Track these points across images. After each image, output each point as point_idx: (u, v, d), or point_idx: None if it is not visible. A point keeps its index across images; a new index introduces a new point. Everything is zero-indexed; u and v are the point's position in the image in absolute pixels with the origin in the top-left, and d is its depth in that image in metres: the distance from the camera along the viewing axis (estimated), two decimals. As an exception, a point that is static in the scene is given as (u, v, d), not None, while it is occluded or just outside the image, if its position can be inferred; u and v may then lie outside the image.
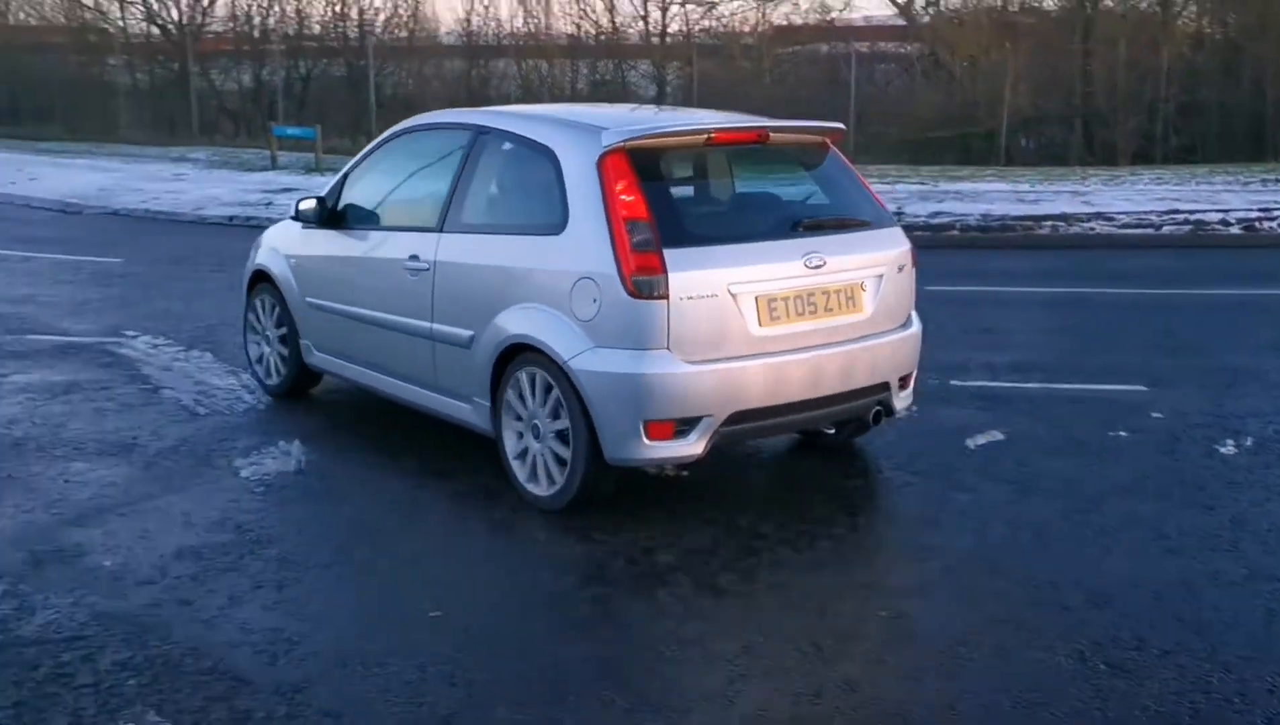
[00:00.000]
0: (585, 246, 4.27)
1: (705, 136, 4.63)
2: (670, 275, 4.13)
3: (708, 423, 4.26)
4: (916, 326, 5.03)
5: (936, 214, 14.33)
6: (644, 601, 3.97)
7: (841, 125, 5.14)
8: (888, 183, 16.97)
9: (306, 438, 5.78)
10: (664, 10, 30.08)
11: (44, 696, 3.30)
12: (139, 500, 4.97)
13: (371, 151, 5.78)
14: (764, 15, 30.19)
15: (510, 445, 4.73)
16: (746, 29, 30.13)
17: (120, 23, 35.96)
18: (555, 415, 4.44)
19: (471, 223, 4.88)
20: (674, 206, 4.50)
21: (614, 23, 30.74)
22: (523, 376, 4.54)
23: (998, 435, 5.73)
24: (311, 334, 5.97)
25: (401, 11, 32.02)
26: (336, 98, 32.16)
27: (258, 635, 3.69)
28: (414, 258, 5.03)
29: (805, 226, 4.62)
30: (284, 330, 6.16)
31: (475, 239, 4.83)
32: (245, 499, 4.99)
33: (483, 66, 31.44)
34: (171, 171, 21.86)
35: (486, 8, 31.06)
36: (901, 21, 30.30)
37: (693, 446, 4.29)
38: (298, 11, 32.78)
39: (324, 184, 6.22)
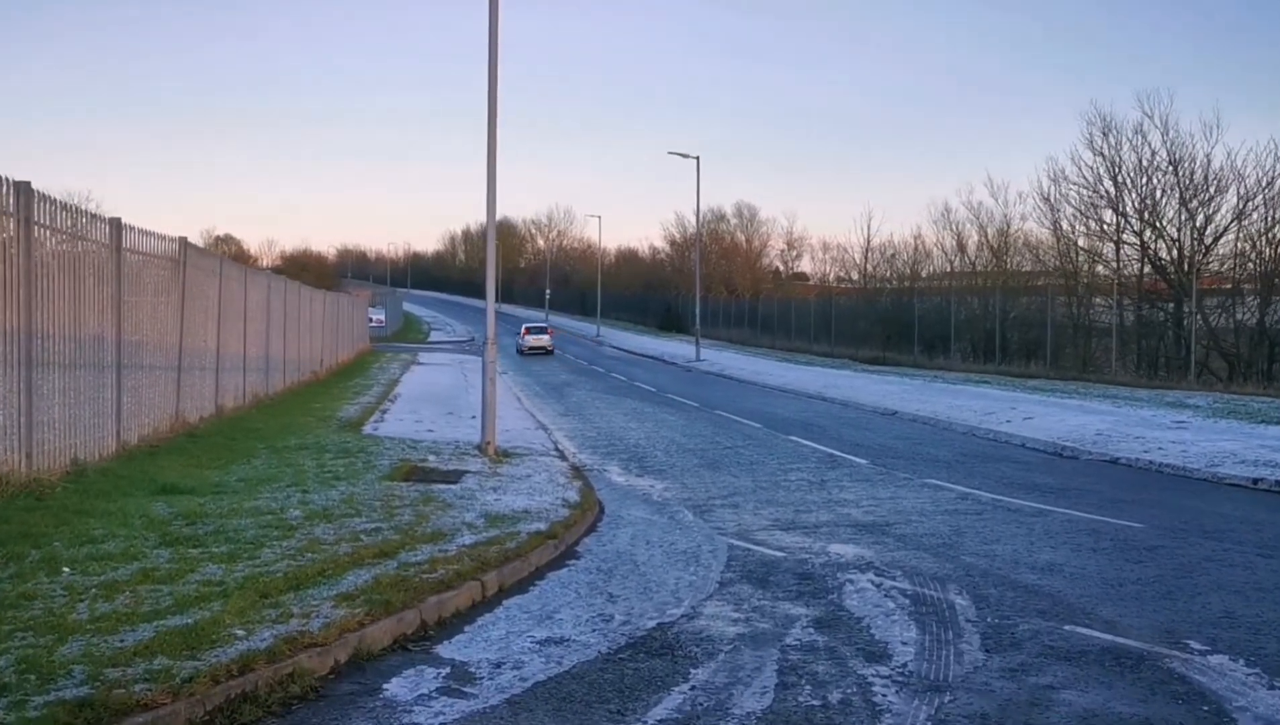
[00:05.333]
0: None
1: (534, 324, 57.52)
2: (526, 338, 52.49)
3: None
4: (551, 343, 51.98)
5: None
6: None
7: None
8: None
9: None
10: None
11: None
12: None
13: None
14: None
15: None
16: None
17: (1114, 264, 35.76)
18: None
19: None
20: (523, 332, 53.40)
21: None
22: None
23: None
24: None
25: None
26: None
27: None
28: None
29: (532, 330, 52.94)
30: None
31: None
32: None
33: None
34: (1169, 418, 19.96)
35: None
36: None
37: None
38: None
39: None
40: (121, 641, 5.30)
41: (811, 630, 6.64)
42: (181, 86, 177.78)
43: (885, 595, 7.54)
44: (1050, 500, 11.89)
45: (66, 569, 6.56)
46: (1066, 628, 6.73)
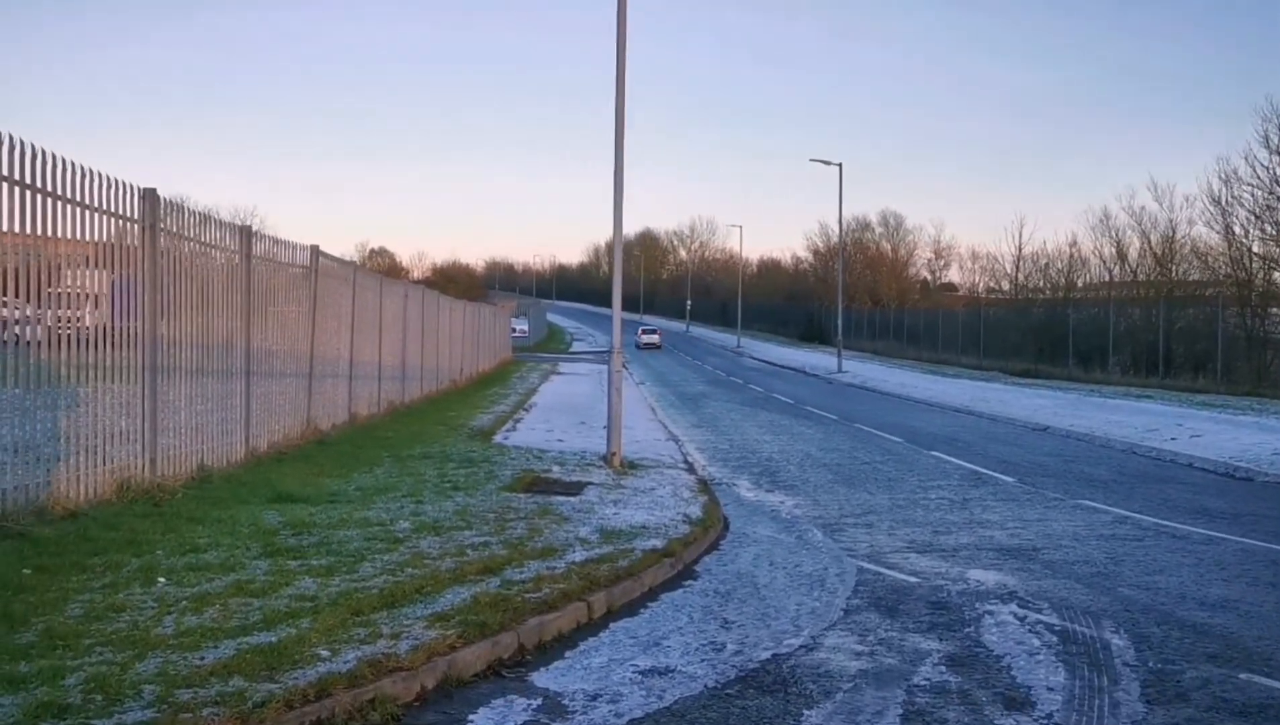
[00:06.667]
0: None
1: (647, 327, 75.03)
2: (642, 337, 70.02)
3: None
4: (660, 340, 70.79)
5: None
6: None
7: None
8: None
9: None
10: None
11: None
12: None
13: None
14: None
15: None
16: None
17: (1292, 270, 33.34)
18: None
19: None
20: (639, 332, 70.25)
21: None
22: None
23: None
24: None
25: None
26: None
27: None
28: None
29: (646, 331, 70.69)
30: None
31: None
32: None
33: None
34: (1358, 437, 18.24)
35: None
36: None
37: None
38: None
39: None
40: (201, 659, 5.07)
41: (943, 669, 5.98)
42: (343, 109, 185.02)
43: (1029, 630, 6.80)
44: (1222, 526, 10.82)
45: (162, 579, 6.42)
46: (1242, 676, 5.89)
